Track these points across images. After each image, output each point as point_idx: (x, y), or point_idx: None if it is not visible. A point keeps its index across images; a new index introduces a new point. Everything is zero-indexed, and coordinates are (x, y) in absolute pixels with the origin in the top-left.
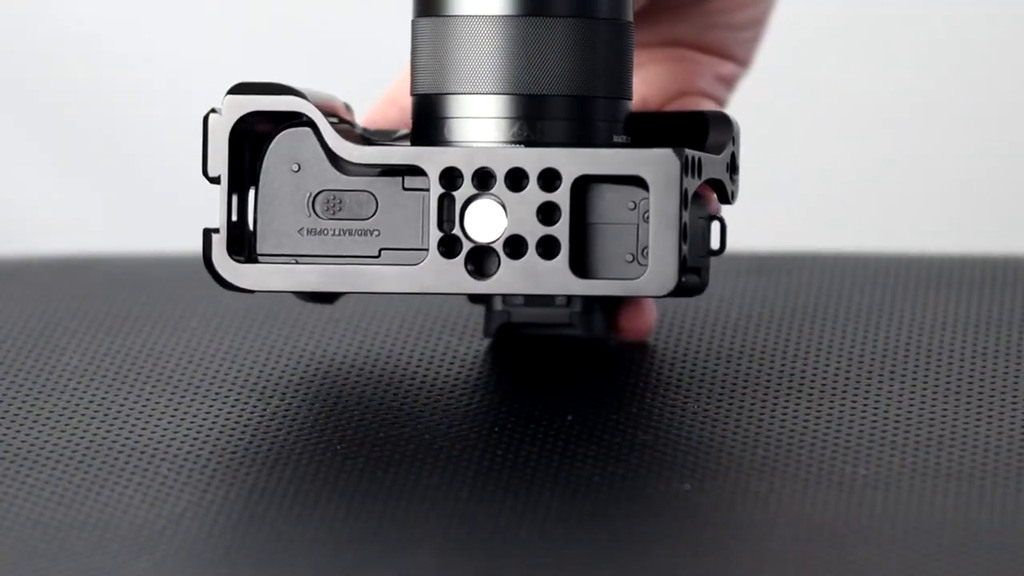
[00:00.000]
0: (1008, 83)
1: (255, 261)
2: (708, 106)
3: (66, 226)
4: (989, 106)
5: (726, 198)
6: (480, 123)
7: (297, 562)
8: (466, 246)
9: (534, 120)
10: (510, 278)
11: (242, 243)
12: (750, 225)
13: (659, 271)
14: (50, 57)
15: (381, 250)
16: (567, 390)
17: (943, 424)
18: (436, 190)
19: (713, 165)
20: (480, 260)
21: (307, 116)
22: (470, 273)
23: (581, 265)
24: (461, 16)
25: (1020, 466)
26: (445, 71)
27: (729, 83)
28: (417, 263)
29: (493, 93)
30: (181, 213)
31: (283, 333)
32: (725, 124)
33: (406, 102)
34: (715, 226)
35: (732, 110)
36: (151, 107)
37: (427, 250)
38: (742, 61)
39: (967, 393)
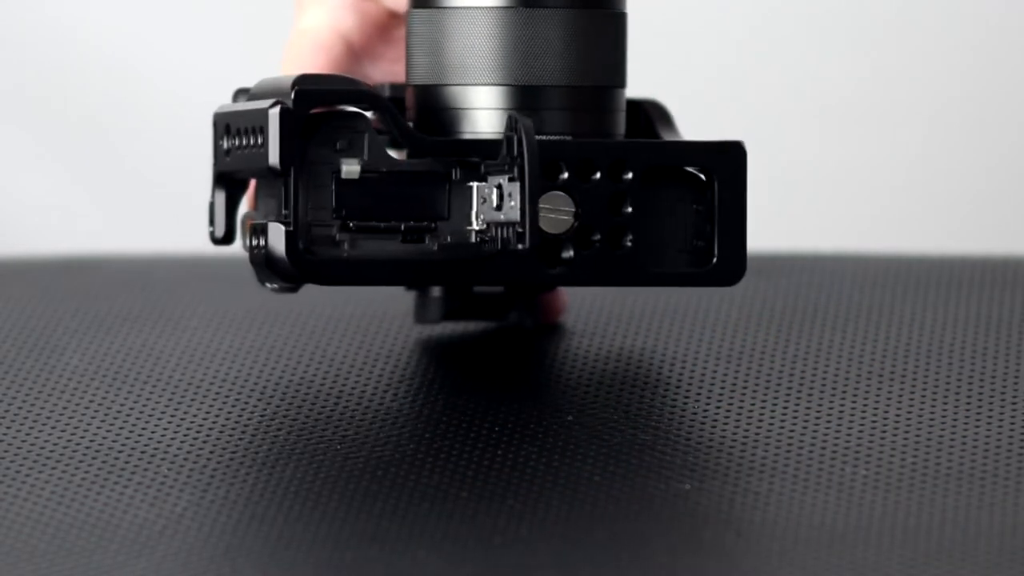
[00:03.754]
0: (1009, 84)
1: (313, 255)
2: None
3: (66, 226)
4: (989, 107)
5: None
6: (485, 114)
7: (297, 562)
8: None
9: (540, 110)
10: (579, 269)
11: (307, 238)
12: (750, 226)
13: (728, 261)
14: (50, 58)
15: (443, 244)
16: (566, 390)
17: (943, 425)
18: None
19: None
20: (550, 251)
21: (376, 107)
22: (540, 264)
23: (648, 256)
24: (465, 8)
25: (1020, 466)
26: (448, 63)
27: None
28: (482, 255)
29: (498, 84)
30: (181, 213)
31: (283, 333)
32: (665, 113)
33: (335, 51)
34: None
35: (733, 110)
36: (151, 108)
37: (495, 240)
38: None
39: (967, 394)
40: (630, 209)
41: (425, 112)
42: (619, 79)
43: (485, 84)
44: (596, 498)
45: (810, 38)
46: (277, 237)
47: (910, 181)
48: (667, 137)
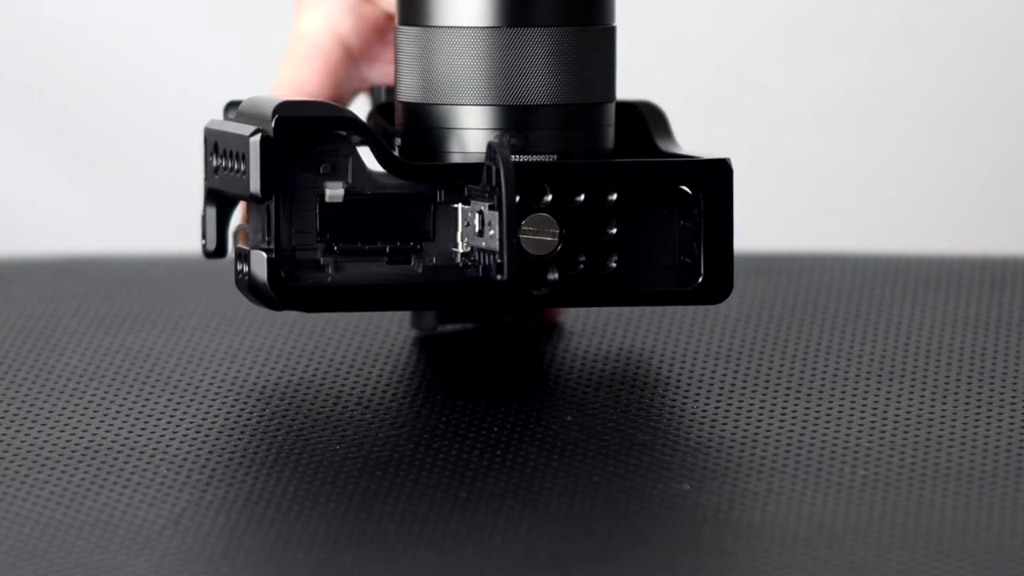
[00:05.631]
0: (1008, 84)
1: (296, 280)
2: None
3: (66, 226)
4: (989, 107)
5: None
6: (474, 134)
7: (297, 562)
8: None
9: (527, 129)
10: (564, 290)
11: (290, 264)
12: (750, 225)
13: (714, 279)
14: (50, 58)
15: (428, 266)
16: (566, 390)
17: (942, 424)
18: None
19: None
20: (534, 272)
21: (358, 132)
22: (524, 287)
23: (634, 275)
24: (454, 27)
25: (1019, 466)
26: (434, 82)
27: None
28: (467, 278)
29: (487, 104)
30: (182, 213)
31: (283, 333)
32: (661, 115)
33: (311, 90)
34: None
35: (734, 110)
36: (151, 108)
37: (477, 264)
38: None
39: (966, 393)
40: (615, 230)
41: (413, 130)
42: (607, 94)
43: (471, 104)
44: (595, 498)
45: (811, 39)
46: (259, 265)
47: (910, 181)
48: (661, 141)
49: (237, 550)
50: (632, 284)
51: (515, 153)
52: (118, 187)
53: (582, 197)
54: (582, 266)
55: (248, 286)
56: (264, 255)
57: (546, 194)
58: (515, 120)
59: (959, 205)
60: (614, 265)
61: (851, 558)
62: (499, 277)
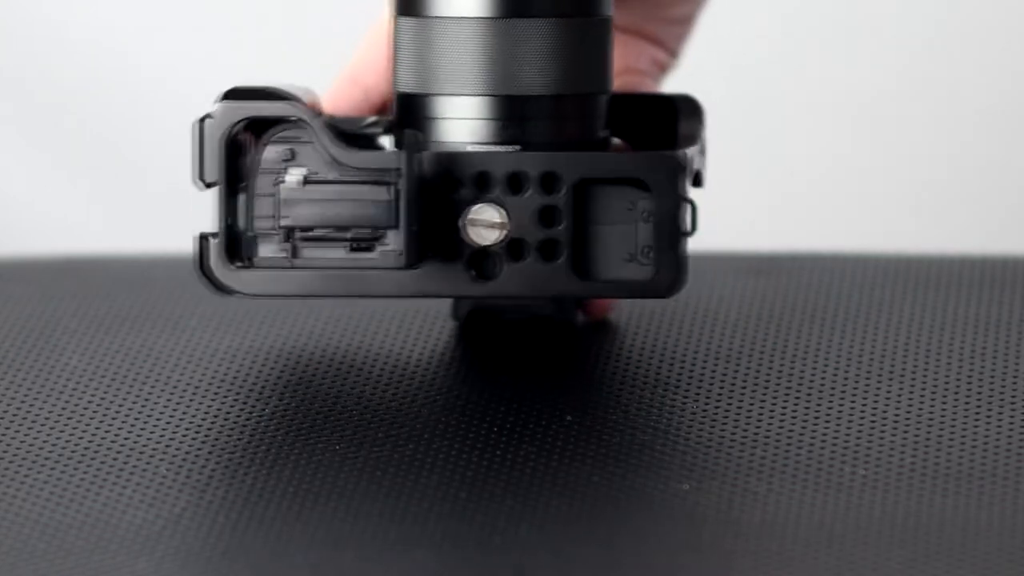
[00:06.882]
0: (1009, 83)
1: (250, 266)
2: (647, 84)
3: (66, 226)
4: (990, 106)
5: (699, 182)
6: (466, 124)
7: (297, 562)
8: (467, 249)
9: (519, 120)
10: (511, 281)
11: (238, 248)
12: (750, 225)
13: (664, 273)
14: (50, 58)
15: (379, 253)
16: (566, 389)
17: (942, 424)
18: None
19: (695, 157)
20: (481, 263)
21: (302, 120)
22: (471, 276)
23: (583, 267)
24: (446, 18)
25: (1019, 466)
26: (430, 72)
27: (663, 69)
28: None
29: (479, 94)
30: (180, 214)
31: (283, 333)
32: (696, 110)
33: (368, 81)
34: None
35: (737, 107)
36: (151, 107)
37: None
38: (673, 52)
39: (966, 393)
40: (564, 222)
41: (401, 119)
42: (584, 85)
43: (448, 95)
44: (595, 498)
45: (813, 39)
46: (206, 249)
47: (910, 181)
48: (685, 134)
49: (237, 550)
50: (581, 276)
51: (512, 143)
52: (118, 187)
53: (530, 188)
54: (530, 257)
55: (199, 269)
56: (212, 239)
57: (493, 184)
58: (498, 111)
59: (959, 205)
60: (562, 258)
61: (851, 558)
62: (400, 267)
